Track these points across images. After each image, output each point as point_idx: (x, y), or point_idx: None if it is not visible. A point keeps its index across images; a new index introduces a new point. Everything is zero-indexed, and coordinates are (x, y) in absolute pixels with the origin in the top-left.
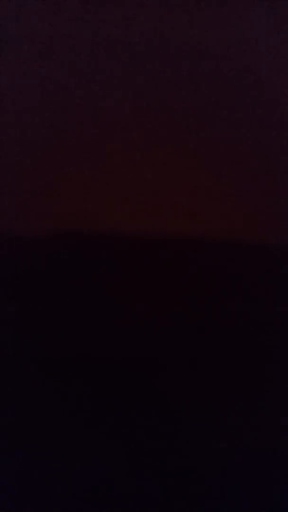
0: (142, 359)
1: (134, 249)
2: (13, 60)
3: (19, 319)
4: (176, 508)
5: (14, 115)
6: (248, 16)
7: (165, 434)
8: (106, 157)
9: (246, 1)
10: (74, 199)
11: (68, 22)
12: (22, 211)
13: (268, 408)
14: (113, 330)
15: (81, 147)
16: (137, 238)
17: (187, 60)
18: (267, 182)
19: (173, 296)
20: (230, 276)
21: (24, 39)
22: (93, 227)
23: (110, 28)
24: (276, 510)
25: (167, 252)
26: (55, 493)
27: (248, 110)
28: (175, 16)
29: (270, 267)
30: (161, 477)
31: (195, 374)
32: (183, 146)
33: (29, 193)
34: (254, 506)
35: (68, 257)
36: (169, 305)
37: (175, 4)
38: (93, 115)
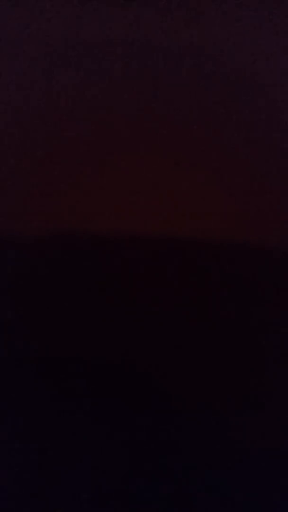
0: (142, 359)
1: (134, 249)
2: (13, 60)
3: (18, 320)
4: (176, 508)
5: (14, 115)
6: (248, 16)
7: (166, 434)
8: (106, 157)
9: (246, 1)
10: (74, 199)
11: (68, 22)
12: (22, 211)
13: (269, 408)
14: (113, 330)
15: (81, 147)
16: (137, 238)
17: (187, 60)
18: (268, 182)
19: (173, 296)
20: (230, 276)
21: (24, 39)
22: (93, 227)
23: (110, 28)
24: (276, 510)
25: (168, 252)
26: (55, 493)
27: (249, 111)
28: (176, 16)
29: (270, 267)
30: (161, 477)
31: (196, 374)
32: (183, 146)
33: (29, 193)
34: (254, 506)
35: (68, 257)
36: (169, 305)
37: (175, 4)
38: (93, 115)
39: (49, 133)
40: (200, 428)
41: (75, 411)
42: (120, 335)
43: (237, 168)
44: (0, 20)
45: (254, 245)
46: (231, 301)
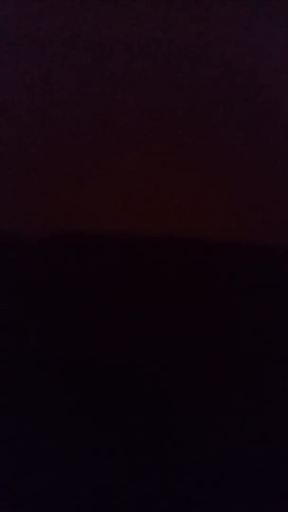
0: (142, 358)
1: (134, 249)
2: (12, 60)
3: (19, 319)
4: (176, 508)
5: (14, 115)
6: (248, 16)
7: (166, 434)
8: (106, 157)
9: (246, 1)
10: (74, 199)
11: (68, 22)
12: (22, 211)
13: (270, 409)
14: (114, 330)
15: (81, 147)
16: (137, 238)
17: (187, 60)
18: (268, 182)
19: (173, 296)
20: (230, 277)
21: (24, 39)
22: (93, 227)
23: (110, 28)
24: (276, 510)
25: (168, 252)
26: (55, 493)
27: (248, 111)
28: (175, 16)
29: (270, 267)
30: (161, 478)
31: (196, 374)
32: (183, 146)
33: (29, 193)
34: (254, 507)
35: (68, 257)
36: (169, 305)
37: (175, 4)
38: (93, 115)
39: (49, 133)
40: (201, 428)
41: (75, 410)
42: (121, 335)
43: (237, 168)
44: (0, 20)
45: (254, 245)
46: (231, 301)
